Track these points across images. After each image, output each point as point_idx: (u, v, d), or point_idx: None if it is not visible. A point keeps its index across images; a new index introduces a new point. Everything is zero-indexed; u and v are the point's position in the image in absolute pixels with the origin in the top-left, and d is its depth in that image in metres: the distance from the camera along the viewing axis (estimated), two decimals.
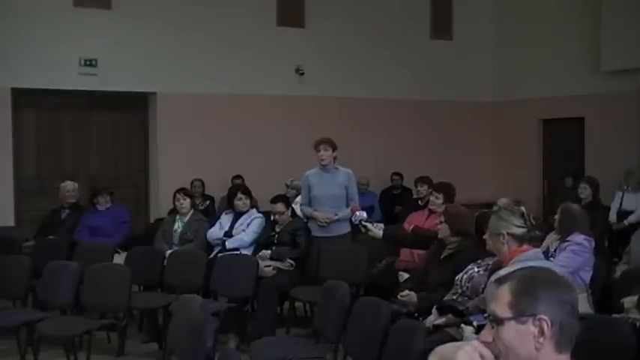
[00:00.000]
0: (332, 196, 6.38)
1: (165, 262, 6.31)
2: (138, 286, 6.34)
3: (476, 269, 4.22)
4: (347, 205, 6.36)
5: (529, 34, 11.55)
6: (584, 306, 4.51)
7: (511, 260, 3.57)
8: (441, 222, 4.77)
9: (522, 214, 3.75)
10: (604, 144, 10.47)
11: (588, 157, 10.80)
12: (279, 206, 6.48)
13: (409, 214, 6.73)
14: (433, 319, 4.05)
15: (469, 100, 12.01)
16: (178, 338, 4.10)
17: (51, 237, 7.15)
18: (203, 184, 9.62)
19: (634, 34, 9.80)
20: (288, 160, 9.57)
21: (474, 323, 3.45)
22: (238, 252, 6.33)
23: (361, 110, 11.02)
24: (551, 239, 5.27)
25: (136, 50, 9.46)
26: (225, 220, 6.68)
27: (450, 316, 3.97)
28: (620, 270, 5.62)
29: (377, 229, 5.60)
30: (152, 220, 9.26)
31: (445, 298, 4.27)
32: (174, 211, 6.98)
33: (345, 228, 6.46)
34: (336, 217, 6.36)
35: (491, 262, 4.07)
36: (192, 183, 9.38)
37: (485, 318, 1.81)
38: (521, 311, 1.71)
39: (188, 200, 6.82)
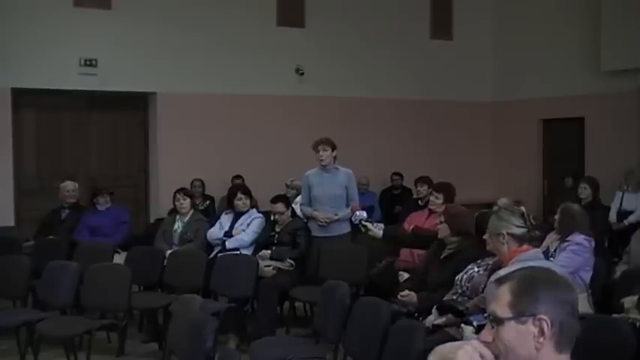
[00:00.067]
0: (332, 196, 6.38)
1: (165, 262, 6.31)
2: (138, 286, 6.34)
3: (476, 269, 4.22)
4: (347, 205, 6.36)
5: (529, 34, 11.55)
6: (584, 306, 4.51)
7: (511, 260, 3.57)
8: (441, 222, 4.77)
9: (522, 214, 3.75)
10: (604, 144, 10.47)
11: (588, 157, 10.80)
12: (279, 206, 6.48)
13: (409, 214, 6.73)
14: (433, 319, 4.05)
15: (469, 100, 12.01)
16: (178, 338, 4.10)
17: (51, 237, 7.15)
18: (203, 184, 9.62)
19: (634, 34, 9.80)
20: (288, 160, 9.57)
21: (474, 323, 3.45)
22: (238, 252, 6.33)
23: (361, 110, 11.02)
24: (551, 239, 5.27)
25: (136, 50, 9.46)
26: (225, 220, 6.68)
27: (450, 316, 3.98)
28: (620, 270, 5.62)
29: (377, 229, 5.60)
30: (152, 220, 9.26)
31: (445, 298, 4.27)
32: (174, 211, 6.98)
33: (345, 228, 6.46)
34: (336, 217, 6.36)
35: (491, 262, 4.07)
36: (192, 183, 9.38)
37: (485, 318, 1.81)
38: (521, 311, 1.71)
39: (188, 200, 6.82)
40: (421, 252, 5.47)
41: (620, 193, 8.53)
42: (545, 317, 1.69)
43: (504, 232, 3.68)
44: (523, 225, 3.69)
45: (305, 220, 6.55)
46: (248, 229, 6.51)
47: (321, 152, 6.37)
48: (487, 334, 1.76)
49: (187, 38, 9.76)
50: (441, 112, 11.72)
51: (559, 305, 1.71)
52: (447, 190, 6.18)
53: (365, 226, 5.68)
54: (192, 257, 6.26)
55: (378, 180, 10.97)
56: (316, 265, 6.31)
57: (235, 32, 10.13)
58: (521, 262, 3.35)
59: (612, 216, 8.40)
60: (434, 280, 4.58)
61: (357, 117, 10.94)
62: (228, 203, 6.89)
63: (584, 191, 7.58)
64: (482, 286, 3.94)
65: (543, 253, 4.32)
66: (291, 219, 6.53)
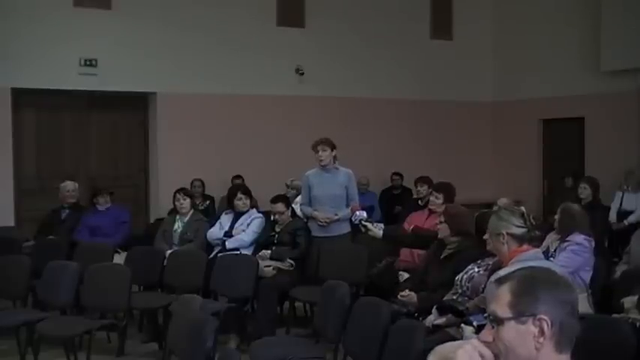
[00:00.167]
0: (332, 196, 6.38)
1: (165, 262, 6.31)
2: (138, 286, 6.34)
3: (476, 269, 4.22)
4: (347, 205, 6.36)
5: (529, 34, 11.55)
6: (584, 306, 4.51)
7: (511, 260, 3.57)
8: (441, 222, 4.77)
9: (522, 214, 3.75)
10: (604, 144, 10.47)
11: (588, 157, 10.80)
12: (279, 206, 6.48)
13: (409, 214, 6.73)
14: (433, 319, 4.05)
15: (469, 100, 12.01)
16: (178, 338, 4.10)
17: (51, 237, 7.15)
18: (203, 184, 9.63)
19: (634, 34, 9.80)
20: (288, 160, 9.56)
21: (474, 323, 3.45)
22: (238, 252, 6.33)
23: (361, 110, 11.02)
24: (551, 239, 5.26)
25: (136, 50, 9.46)
26: (225, 220, 6.68)
27: (450, 316, 3.98)
28: (620, 270, 5.62)
29: (377, 229, 5.59)
30: (152, 220, 9.26)
31: (445, 298, 4.27)
32: (174, 211, 6.98)
33: (345, 228, 6.46)
34: (336, 217, 6.35)
35: (491, 262, 4.07)
36: (192, 183, 9.38)
37: (486, 318, 1.81)
38: (521, 311, 1.71)
39: (188, 200, 6.82)
40: (421, 252, 5.47)
41: (620, 193, 8.54)
42: (545, 317, 1.69)
43: (504, 232, 3.68)
44: (523, 225, 3.69)
45: (305, 220, 6.55)
46: (248, 229, 6.51)
47: (320, 152, 6.37)
48: (487, 333, 1.76)
49: (187, 38, 9.76)
50: (441, 112, 11.72)
51: (559, 305, 1.71)
52: (447, 190, 6.18)
53: (365, 226, 5.68)
54: (192, 257, 6.26)
55: (378, 180, 10.97)
56: (316, 265, 6.31)
57: (235, 32, 10.13)
58: (521, 262, 3.35)
59: (612, 216, 8.40)
60: (434, 280, 4.58)
61: (357, 117, 10.94)
62: (228, 203, 6.89)
63: (584, 191, 7.58)
64: (483, 286, 3.94)
65: (543, 253, 4.32)
66: (291, 219, 6.53)
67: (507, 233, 3.67)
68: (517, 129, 11.80)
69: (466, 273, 4.25)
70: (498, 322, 1.73)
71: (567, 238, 5.03)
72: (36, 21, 8.85)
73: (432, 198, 6.27)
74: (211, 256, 6.34)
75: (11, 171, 8.96)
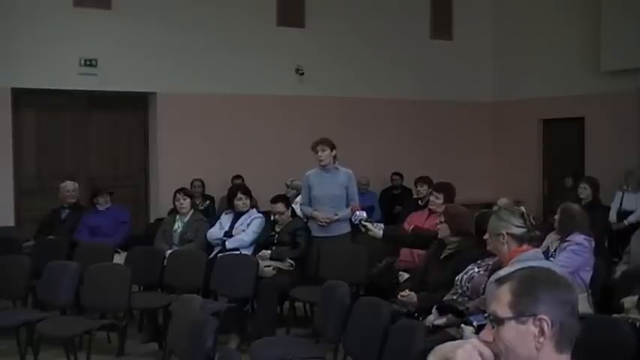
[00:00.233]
0: (332, 196, 6.38)
1: (165, 262, 6.31)
2: (138, 286, 6.34)
3: (476, 269, 4.22)
4: (347, 205, 6.36)
5: (529, 34, 11.55)
6: (584, 306, 4.51)
7: (511, 260, 3.57)
8: (441, 222, 4.77)
9: (522, 214, 3.75)
10: (604, 144, 10.47)
11: (588, 157, 10.80)
12: (279, 206, 6.48)
13: (409, 214, 6.73)
14: (433, 319, 4.05)
15: (469, 100, 12.01)
16: (178, 338, 4.10)
17: (51, 237, 7.15)
18: (203, 184, 9.62)
19: (634, 34, 9.80)
20: (288, 160, 9.56)
21: (474, 323, 3.45)
22: (238, 252, 6.33)
23: (361, 110, 11.02)
24: (551, 239, 5.26)
25: (136, 50, 9.46)
26: (225, 220, 6.68)
27: (450, 316, 3.98)
28: (620, 270, 5.62)
29: (377, 229, 5.59)
30: (152, 220, 9.26)
31: (445, 298, 4.27)
32: (174, 211, 6.98)
33: (345, 228, 6.46)
34: (336, 217, 6.35)
35: (491, 263, 4.07)
36: (192, 183, 9.38)
37: (486, 318, 1.81)
38: (521, 311, 1.71)
39: (188, 200, 6.82)
40: (421, 252, 5.47)
41: (620, 193, 8.53)
42: (545, 317, 1.69)
43: (504, 232, 3.67)
44: (523, 225, 3.68)
45: (305, 220, 6.55)
46: (248, 229, 6.51)
47: (319, 153, 6.37)
48: (487, 333, 1.76)
49: (187, 38, 9.76)
50: (441, 112, 11.72)
51: (559, 305, 1.71)
52: (447, 190, 6.18)
53: (365, 226, 5.68)
54: (192, 257, 6.26)
55: (378, 180, 10.97)
56: (316, 265, 6.31)
57: (235, 32, 10.13)
58: (521, 262, 3.35)
59: (612, 216, 8.40)
60: (434, 280, 4.58)
61: (357, 117, 10.94)
62: (228, 203, 6.89)
63: (584, 191, 7.58)
64: (483, 286, 3.94)
65: (543, 253, 4.32)
66: (291, 219, 6.53)
67: (507, 233, 3.67)
68: (517, 129, 11.80)
69: (466, 273, 4.25)
70: (498, 322, 1.73)
71: (567, 238, 5.03)
72: (36, 21, 8.85)
73: (432, 198, 6.27)
74: (211, 256, 6.34)
75: (11, 171, 8.96)
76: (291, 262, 6.24)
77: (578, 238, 5.00)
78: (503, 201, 6.53)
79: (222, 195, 8.76)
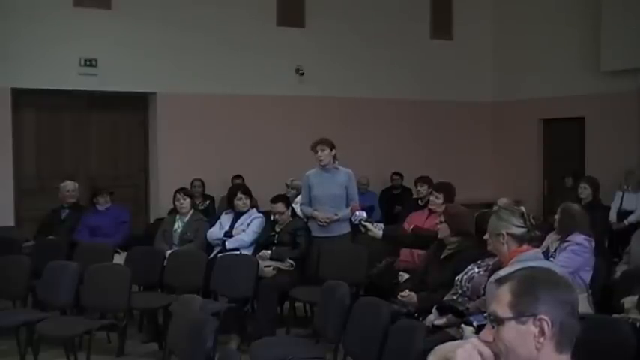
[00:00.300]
0: (332, 196, 6.38)
1: (165, 262, 6.31)
2: (138, 286, 6.34)
3: (476, 269, 4.22)
4: (347, 205, 6.36)
5: (529, 34, 11.55)
6: (584, 306, 4.51)
7: (511, 260, 3.57)
8: (441, 222, 4.77)
9: (522, 214, 3.75)
10: (604, 144, 10.47)
11: (588, 157, 10.80)
12: (279, 206, 6.48)
13: (409, 214, 6.73)
14: (433, 318, 4.05)
15: (469, 100, 12.01)
16: (178, 338, 4.10)
17: (51, 237, 7.15)
18: (203, 184, 9.62)
19: (634, 34, 9.80)
20: (288, 160, 9.56)
21: (474, 323, 3.46)
22: (238, 252, 6.33)
23: (361, 110, 11.02)
24: (551, 239, 5.27)
25: (136, 50, 9.46)
26: (225, 220, 6.68)
27: (450, 316, 3.98)
28: (620, 270, 5.62)
29: (377, 229, 5.60)
30: (152, 220, 9.26)
31: (445, 298, 4.27)
32: (174, 211, 6.98)
33: (345, 228, 6.46)
34: (336, 217, 6.35)
35: (491, 263, 4.07)
36: (192, 183, 9.38)
37: (486, 318, 1.81)
38: (521, 311, 1.71)
39: (188, 200, 6.82)
40: (421, 252, 5.47)
41: (620, 193, 8.54)
42: (545, 317, 1.69)
43: (504, 232, 3.67)
44: (523, 225, 3.68)
45: (305, 220, 6.55)
46: (248, 229, 6.51)
47: (319, 153, 6.37)
48: (487, 333, 1.76)
49: (187, 38, 9.76)
50: (441, 112, 11.72)
51: (559, 305, 1.71)
52: (447, 190, 6.18)
53: (365, 226, 5.69)
54: (192, 257, 6.26)
55: (378, 180, 10.97)
56: (316, 265, 6.31)
57: (235, 32, 10.13)
58: (521, 262, 3.35)
59: (612, 216, 8.40)
60: (434, 280, 4.58)
61: (357, 117, 10.94)
62: (228, 203, 6.89)
63: (584, 191, 7.58)
64: (483, 286, 3.94)
65: (543, 253, 4.32)
66: (291, 219, 6.53)
67: (507, 233, 3.67)
68: (517, 129, 11.80)
69: (466, 273, 4.25)
70: (499, 321, 1.73)
71: (567, 238, 5.03)
72: (36, 21, 8.85)
73: (432, 198, 6.27)
74: (211, 256, 6.34)
75: (11, 171, 8.96)
76: (291, 262, 6.24)
77: (578, 238, 5.00)
78: (503, 201, 6.53)
79: (222, 195, 8.76)
